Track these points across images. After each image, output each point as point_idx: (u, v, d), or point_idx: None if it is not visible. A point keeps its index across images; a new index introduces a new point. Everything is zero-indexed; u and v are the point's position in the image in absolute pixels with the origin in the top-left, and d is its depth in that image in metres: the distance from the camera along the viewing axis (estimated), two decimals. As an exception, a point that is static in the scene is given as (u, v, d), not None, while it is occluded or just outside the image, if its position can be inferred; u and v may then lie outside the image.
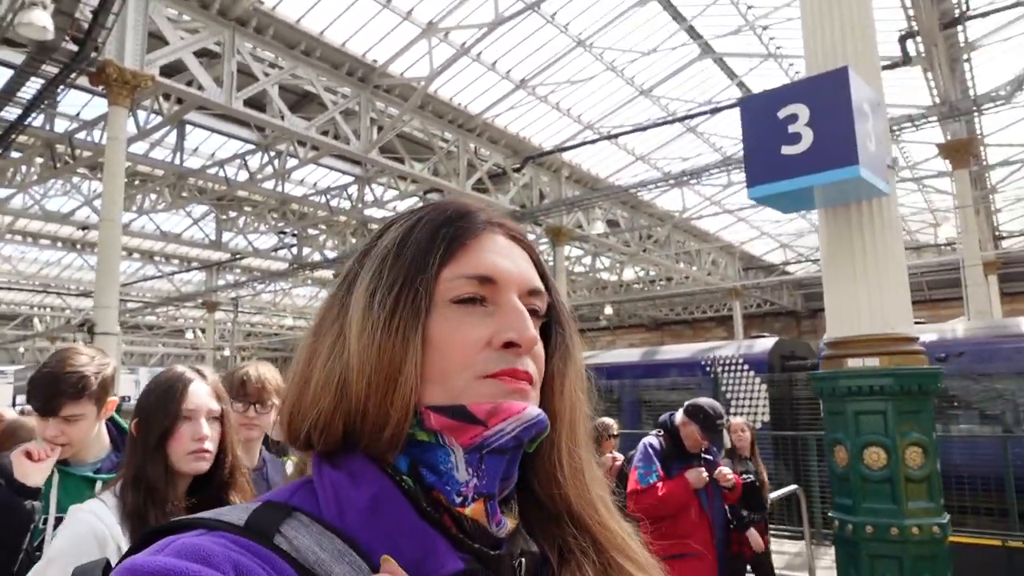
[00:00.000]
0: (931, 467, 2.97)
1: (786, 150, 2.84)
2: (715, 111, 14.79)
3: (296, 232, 19.42)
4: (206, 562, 0.47)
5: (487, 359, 0.61)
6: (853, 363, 3.04)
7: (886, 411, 2.97)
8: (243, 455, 2.17)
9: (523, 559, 0.63)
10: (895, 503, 2.91)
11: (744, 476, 4.71)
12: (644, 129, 15.37)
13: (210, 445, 1.60)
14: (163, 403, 1.59)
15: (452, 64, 12.06)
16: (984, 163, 16.99)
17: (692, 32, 13.32)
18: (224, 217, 17.93)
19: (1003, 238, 23.75)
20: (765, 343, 10.05)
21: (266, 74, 10.85)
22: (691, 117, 15.07)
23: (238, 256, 19.39)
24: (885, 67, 11.08)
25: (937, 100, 11.32)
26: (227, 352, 27.89)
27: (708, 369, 8.79)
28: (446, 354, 0.61)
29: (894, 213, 3.26)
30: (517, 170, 15.43)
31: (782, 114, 2.86)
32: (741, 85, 15.27)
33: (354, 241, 20.10)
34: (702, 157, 17.35)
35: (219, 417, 1.65)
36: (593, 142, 15.49)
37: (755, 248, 26.04)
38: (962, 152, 11.71)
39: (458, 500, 0.59)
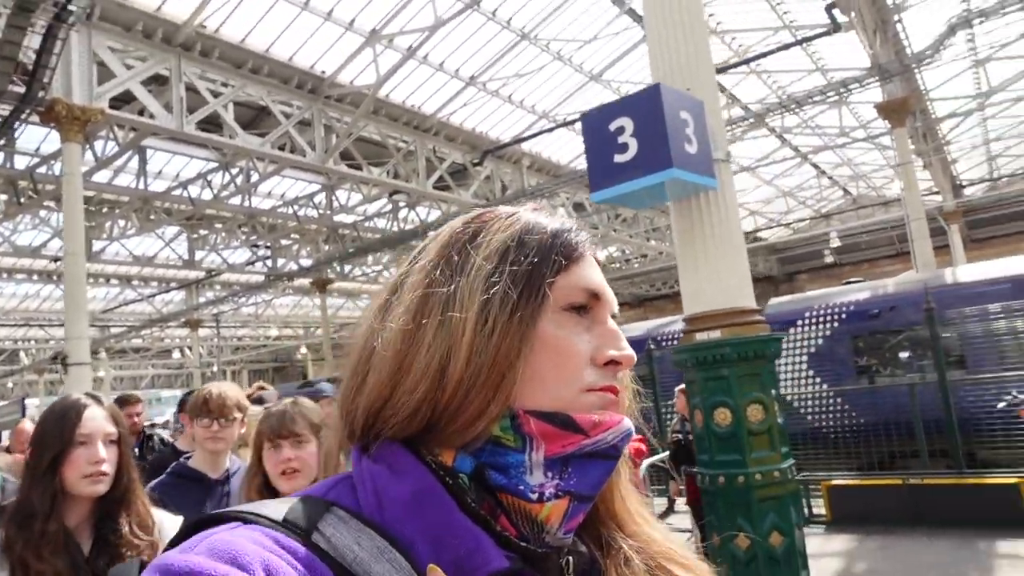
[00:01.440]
0: (771, 421, 3.33)
1: (617, 158, 3.17)
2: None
3: (269, 244, 19.64)
4: (234, 562, 0.47)
5: (594, 375, 0.62)
6: (700, 336, 3.40)
7: (729, 376, 3.33)
8: (208, 466, 2.50)
9: (570, 558, 0.62)
10: (740, 454, 3.27)
11: (675, 435, 5.53)
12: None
13: (107, 467, 1.65)
14: (57, 429, 1.64)
15: (400, 68, 12.30)
16: (933, 116, 17.40)
17: (633, 15, 13.58)
18: (195, 236, 18.12)
19: (964, 186, 24.21)
20: (749, 303, 10.38)
21: (216, 95, 11.07)
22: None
23: (214, 272, 19.58)
24: (819, 35, 11.43)
25: (875, 61, 11.65)
26: (215, 368, 28.12)
27: (652, 346, 9.14)
28: (556, 361, 0.61)
29: (730, 202, 3.59)
30: (477, 164, 15.69)
31: (612, 127, 3.18)
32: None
33: (327, 248, 20.35)
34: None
35: (116, 440, 1.72)
36: (550, 130, 15.76)
37: (725, 218, 26.41)
38: (899, 111, 12.07)
39: (533, 497, 0.58)
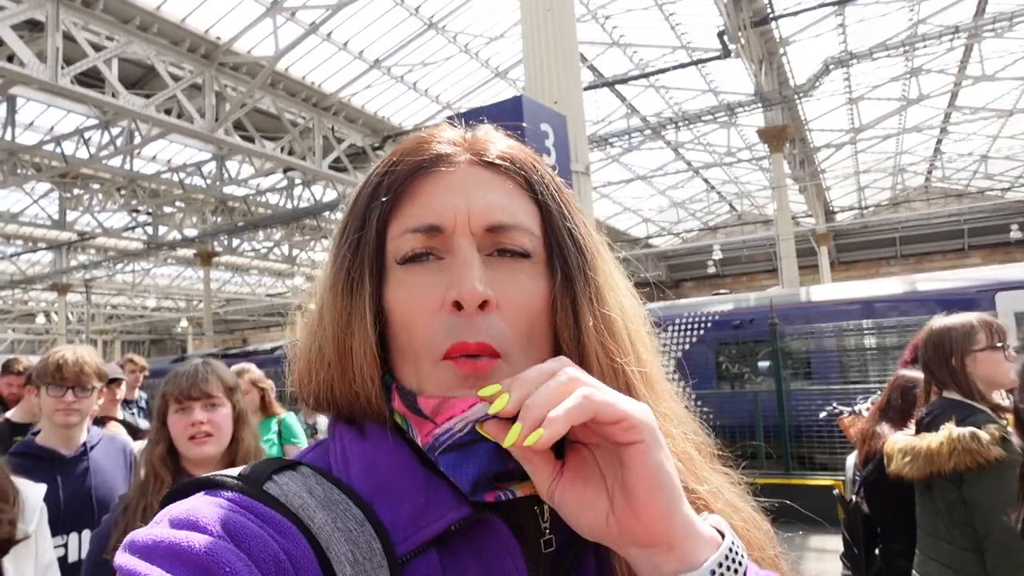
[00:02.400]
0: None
1: None
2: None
3: (151, 211, 18.68)
4: (193, 526, 0.48)
5: (441, 330, 0.55)
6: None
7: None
8: (60, 442, 2.21)
9: (546, 505, 0.57)
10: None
11: None
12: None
13: None
14: None
15: (301, 43, 12.00)
16: (812, 144, 18.69)
17: (541, 17, 13.83)
18: (68, 195, 16.99)
19: (835, 212, 26.10)
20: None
21: (99, 48, 10.44)
22: (546, 99, 15.70)
23: (86, 236, 18.43)
24: (710, 59, 12.05)
25: (759, 88, 12.42)
26: (84, 336, 26.45)
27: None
28: (405, 325, 0.56)
29: (586, 210, 3.83)
30: (377, 148, 15.53)
31: None
32: (592, 68, 15.99)
33: (216, 219, 19.57)
34: (561, 137, 18.12)
35: None
36: (451, 120, 15.80)
37: (619, 223, 27.30)
38: (778, 137, 12.93)
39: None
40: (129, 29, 10.75)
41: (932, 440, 2.21)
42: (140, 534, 0.48)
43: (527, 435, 0.46)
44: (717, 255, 23.74)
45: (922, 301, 7.50)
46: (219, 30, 11.77)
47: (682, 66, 12.80)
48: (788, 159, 16.47)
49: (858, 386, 6.28)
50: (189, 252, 21.32)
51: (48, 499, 1.90)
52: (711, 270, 26.95)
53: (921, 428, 2.34)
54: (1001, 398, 2.37)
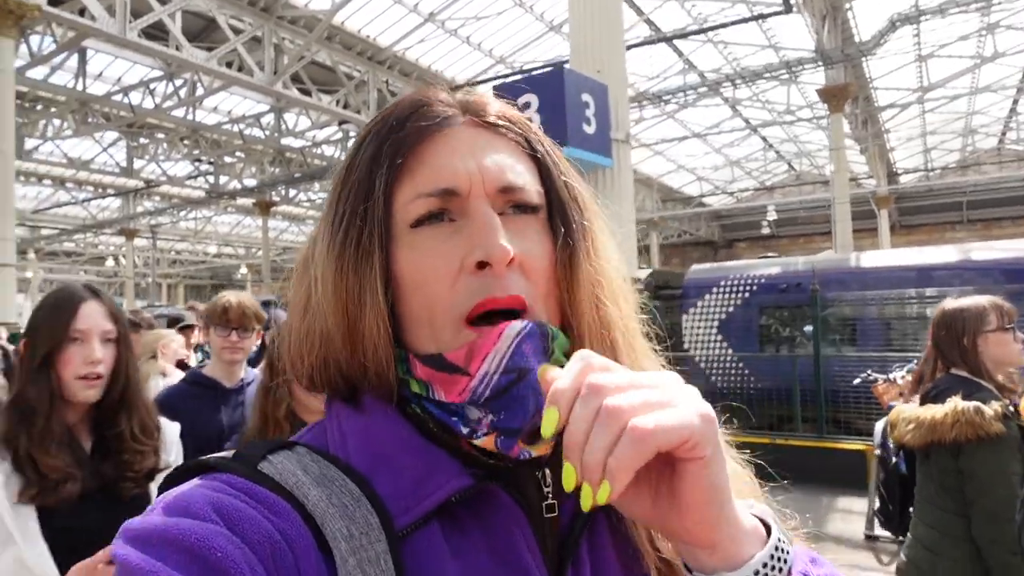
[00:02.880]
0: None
1: None
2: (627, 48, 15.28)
3: (212, 160, 19.27)
4: (187, 512, 0.48)
5: (465, 292, 0.54)
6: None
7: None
8: (223, 375, 2.45)
9: (547, 470, 0.57)
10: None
11: None
12: (556, 65, 15.76)
13: (102, 369, 1.51)
14: (49, 323, 1.50)
15: (356, -4, 12.12)
16: (876, 104, 18.02)
17: (598, -30, 13.60)
18: (135, 144, 17.65)
19: (898, 174, 25.19)
20: (639, 274, 10.88)
21: (164, 1, 10.75)
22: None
23: (152, 183, 19.16)
24: (772, 14, 11.70)
25: (819, 45, 12.03)
26: (151, 280, 27.66)
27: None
28: (422, 290, 0.54)
29: (625, 180, 3.94)
30: (430, 103, 15.65)
31: (520, 102, 3.44)
32: (649, 22, 15.67)
33: (274, 170, 20.08)
34: (615, 92, 17.91)
35: (115, 339, 1.56)
36: (506, 76, 15.76)
37: (672, 180, 26.92)
38: (839, 97, 12.54)
39: (465, 431, 0.54)
40: (192, -17, 11.01)
41: (937, 411, 2.33)
42: (135, 523, 0.49)
43: (596, 493, 0.43)
44: (772, 216, 23.29)
45: (978, 270, 7.34)
46: (278, -17, 11.96)
47: (742, 21, 12.45)
48: (849, 119, 15.95)
49: (897, 354, 6.26)
50: (248, 201, 21.96)
51: (212, 425, 2.21)
52: (765, 231, 26.43)
53: (927, 401, 2.45)
54: (1007, 379, 2.46)
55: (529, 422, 0.52)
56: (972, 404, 2.27)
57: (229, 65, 12.04)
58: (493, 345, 0.52)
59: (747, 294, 8.83)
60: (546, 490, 0.57)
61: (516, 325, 0.53)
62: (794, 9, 11.25)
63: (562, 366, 0.52)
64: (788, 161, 26.92)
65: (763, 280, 8.77)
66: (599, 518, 0.59)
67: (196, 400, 2.34)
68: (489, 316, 0.54)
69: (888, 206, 22.77)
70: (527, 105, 3.40)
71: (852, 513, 5.61)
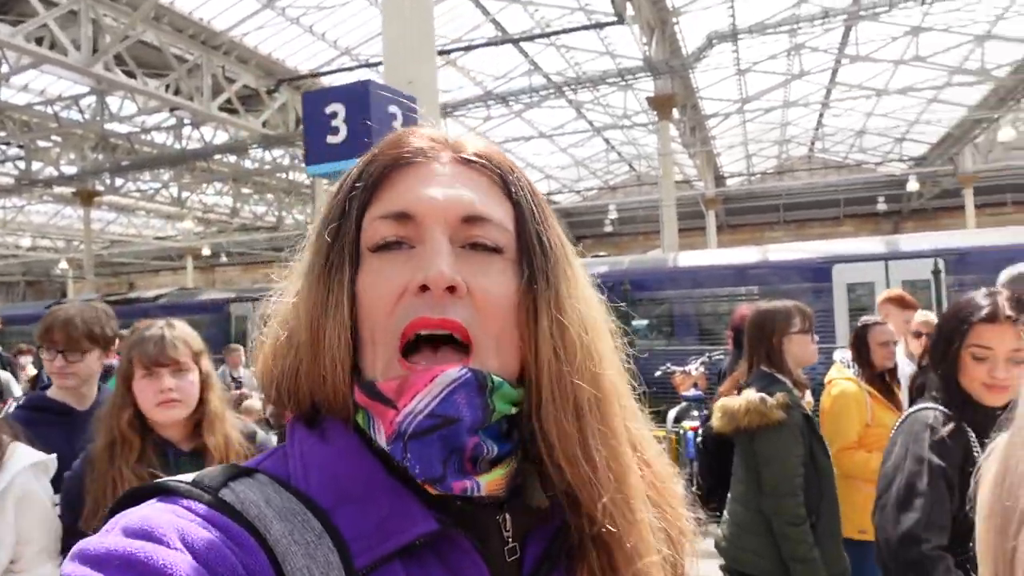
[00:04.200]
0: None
1: (330, 139, 3.54)
2: (470, 48, 15.50)
3: (22, 144, 17.47)
4: (149, 536, 0.47)
5: (403, 312, 0.55)
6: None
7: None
8: (72, 399, 2.17)
9: (507, 515, 0.57)
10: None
11: None
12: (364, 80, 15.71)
13: None
14: None
15: (187, -24, 11.47)
16: (702, 112, 19.48)
17: (443, -32, 13.70)
18: (-74, 124, 15.68)
19: (724, 178, 27.37)
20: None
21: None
22: (448, 52, 15.63)
23: (-52, 168, 17.11)
24: (604, 24, 12.33)
25: (646, 56, 12.86)
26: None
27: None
28: (371, 313, 0.56)
29: None
30: (271, 91, 15.10)
31: (328, 110, 3.54)
32: (495, 22, 15.99)
33: (97, 157, 18.53)
34: (463, 90, 18.12)
35: None
36: (351, 69, 15.50)
37: (522, 178, 27.58)
38: (665, 105, 13.49)
39: (420, 479, 0.54)
40: (-8, -52, 9.96)
41: (735, 401, 2.70)
42: (92, 543, 0.47)
43: None
44: (613, 214, 24.52)
45: (773, 270, 8.24)
46: (96, -44, 11.07)
47: (580, 28, 13.05)
48: (678, 126, 17.14)
49: (695, 348, 6.91)
50: (67, 190, 20.12)
51: (63, 456, 1.89)
52: (608, 229, 27.77)
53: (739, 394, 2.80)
54: (801, 375, 2.85)
55: (457, 468, 0.53)
56: (759, 395, 2.62)
57: (39, 42, 10.99)
58: (424, 386, 0.52)
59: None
60: (506, 534, 0.57)
61: (451, 373, 0.53)
62: (626, 21, 11.95)
63: (508, 417, 0.56)
64: (629, 162, 28.43)
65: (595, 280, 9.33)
66: (559, 569, 0.59)
67: (42, 427, 2.03)
68: (433, 342, 0.55)
69: (716, 207, 24.69)
70: (334, 114, 3.46)
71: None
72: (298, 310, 0.59)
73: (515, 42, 15.12)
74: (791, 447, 2.60)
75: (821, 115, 22.74)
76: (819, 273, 7.81)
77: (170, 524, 0.48)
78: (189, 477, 0.54)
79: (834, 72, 18.81)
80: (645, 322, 8.25)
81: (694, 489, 3.57)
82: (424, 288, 0.54)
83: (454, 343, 0.55)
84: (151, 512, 0.50)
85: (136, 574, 0.44)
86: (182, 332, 1.84)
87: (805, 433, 2.65)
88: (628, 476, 0.59)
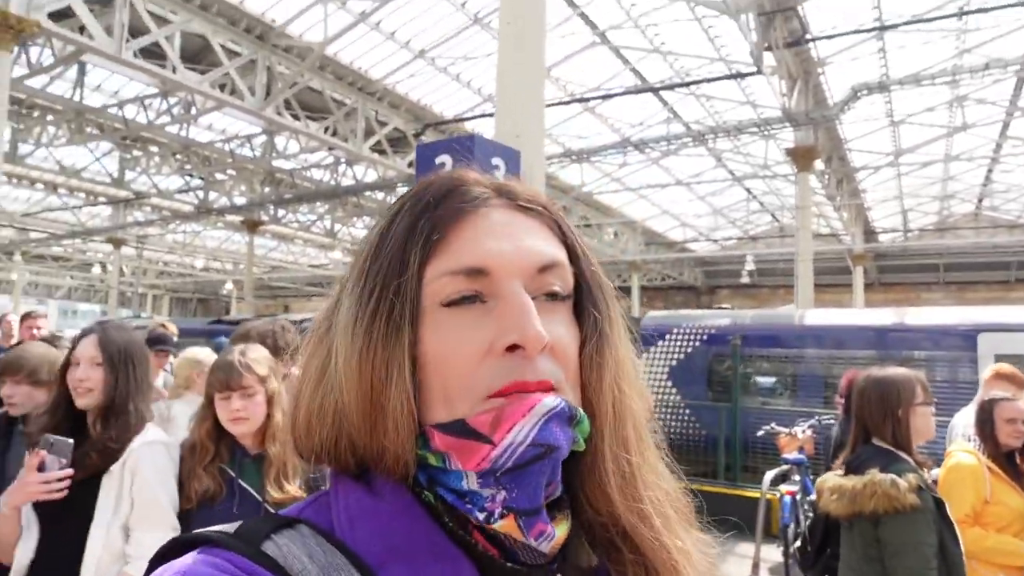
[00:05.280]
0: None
1: None
2: (608, 97, 15.83)
3: (203, 176, 19.64)
4: None
5: (491, 372, 0.52)
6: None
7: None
8: None
9: (559, 575, 0.56)
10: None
11: None
12: (546, 107, 16.29)
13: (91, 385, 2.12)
14: None
15: (349, 30, 12.60)
16: (851, 164, 18.59)
17: (585, 18, 14.15)
18: (127, 156, 18.02)
19: (876, 233, 25.75)
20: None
21: (161, 22, 11.18)
22: (586, 100, 16.04)
23: (142, 195, 19.50)
24: (745, 75, 12.20)
25: (785, 108, 12.56)
26: (139, 289, 27.87)
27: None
28: (443, 371, 0.53)
29: None
30: (417, 135, 16.09)
31: (437, 160, 3.81)
32: (635, 71, 16.22)
33: (264, 190, 20.46)
34: (600, 136, 18.43)
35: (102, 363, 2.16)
36: (490, 115, 16.24)
37: (656, 225, 27.41)
38: (805, 157, 13.04)
39: (481, 516, 0.52)
40: (190, 7, 11.47)
41: (857, 482, 2.47)
42: None
43: None
44: (750, 265, 23.72)
45: (909, 334, 7.72)
46: (274, 13, 12.43)
47: (716, 79, 12.98)
48: (821, 179, 16.46)
49: (804, 409, 6.60)
50: (237, 219, 22.30)
51: None
52: (744, 280, 26.90)
53: (850, 471, 2.59)
54: (919, 454, 2.60)
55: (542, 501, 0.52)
56: (888, 476, 2.42)
57: (222, 88, 12.46)
58: (523, 416, 0.51)
59: (697, 343, 9.18)
60: None
61: (549, 401, 0.52)
62: (767, 71, 11.77)
63: (582, 451, 0.55)
64: (772, 212, 27.49)
65: (712, 331, 9.13)
66: None
67: None
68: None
69: (864, 263, 23.30)
70: (443, 165, 3.76)
71: (739, 556, 5.86)
72: (346, 372, 0.55)
73: (654, 91, 15.25)
74: (924, 536, 2.36)
75: (990, 170, 21.01)
76: (963, 341, 7.23)
77: None
78: (232, 527, 0.53)
79: (1005, 125, 17.39)
80: (764, 379, 8.02)
81: (791, 552, 3.43)
82: (513, 348, 0.52)
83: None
84: (191, 566, 0.48)
85: None
86: (251, 359, 2.21)
87: (937, 519, 2.42)
88: (668, 508, 0.60)
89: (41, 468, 1.98)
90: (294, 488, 2.17)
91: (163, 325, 6.13)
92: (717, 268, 32.29)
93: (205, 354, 3.77)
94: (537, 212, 0.60)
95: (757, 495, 5.97)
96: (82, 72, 14.14)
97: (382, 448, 0.54)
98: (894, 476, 2.41)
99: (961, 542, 2.51)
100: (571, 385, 0.56)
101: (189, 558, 0.49)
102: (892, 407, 2.56)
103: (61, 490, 1.98)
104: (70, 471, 1.98)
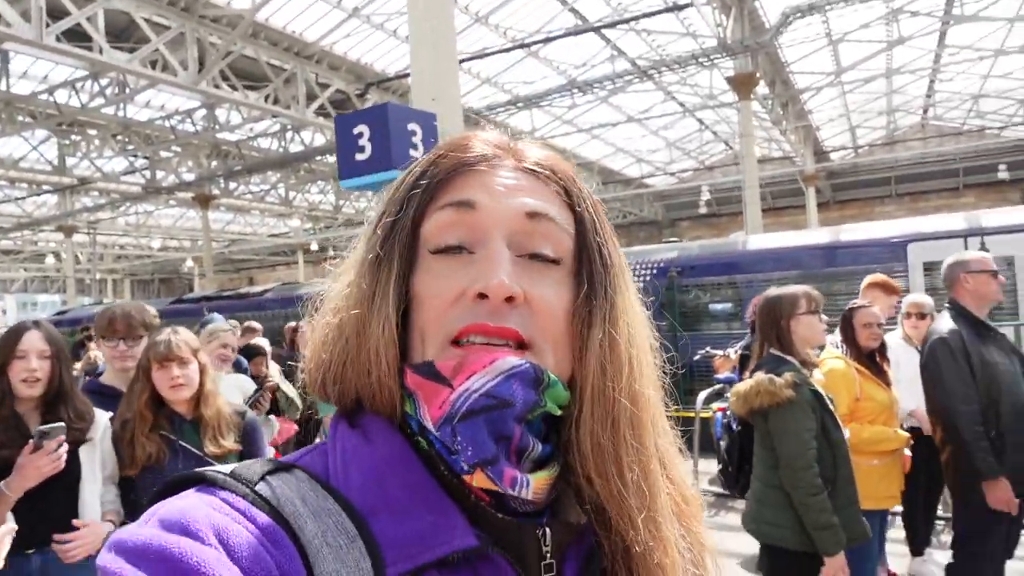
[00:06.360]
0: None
1: (358, 156, 3.92)
2: (549, 40, 15.71)
3: (147, 156, 19.23)
4: (185, 531, 0.46)
5: (458, 315, 0.55)
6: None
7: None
8: (123, 383, 2.75)
9: (547, 529, 0.56)
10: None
11: None
12: (485, 55, 16.10)
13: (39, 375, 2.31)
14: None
15: (278, -6, 12.31)
16: (795, 87, 18.78)
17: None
18: (66, 142, 17.56)
19: (827, 152, 26.15)
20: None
21: (83, 2, 10.82)
22: (528, 45, 15.90)
23: (87, 181, 19.07)
24: (680, 7, 12.21)
25: (720, 38, 12.63)
26: (96, 276, 27.41)
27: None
28: (422, 312, 0.56)
29: None
30: (361, 95, 15.88)
31: (355, 131, 3.92)
32: (574, 11, 16.08)
33: (212, 164, 20.11)
34: (547, 80, 18.33)
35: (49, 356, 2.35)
36: (435, 67, 16.04)
37: (613, 163, 27.50)
38: (746, 84, 13.19)
39: (465, 467, 0.53)
40: (109, -16, 11.09)
41: (747, 384, 2.87)
42: (129, 534, 0.47)
43: None
44: (705, 196, 24.06)
45: (842, 251, 8.05)
46: (198, -18, 12.07)
47: (653, 14, 12.97)
48: (764, 103, 16.65)
49: (739, 332, 6.91)
50: (188, 195, 21.95)
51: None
52: (703, 210, 27.25)
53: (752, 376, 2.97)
54: (807, 356, 2.98)
55: (504, 452, 0.54)
56: (768, 376, 2.79)
57: (154, 64, 12.15)
58: (483, 367, 0.53)
59: (648, 277, 9.45)
60: (545, 549, 0.56)
61: (512, 359, 0.54)
62: (700, 1, 11.80)
63: (547, 421, 0.57)
64: (725, 141, 27.71)
65: (662, 264, 9.40)
66: None
67: (99, 407, 2.54)
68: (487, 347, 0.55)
69: (816, 183, 23.73)
70: (360, 134, 3.87)
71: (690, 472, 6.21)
72: (348, 299, 0.59)
73: (595, 30, 15.17)
74: (802, 422, 2.72)
75: (932, 81, 21.36)
76: (894, 252, 7.58)
77: (207, 519, 0.48)
78: (228, 468, 0.54)
79: (942, 35, 17.65)
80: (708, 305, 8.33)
81: (721, 468, 3.72)
82: (482, 296, 0.54)
83: (509, 347, 0.55)
84: (188, 505, 0.49)
85: (170, 569, 0.44)
86: (184, 336, 2.54)
87: (816, 408, 2.77)
88: (657, 493, 0.59)
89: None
90: (229, 442, 2.50)
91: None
92: (676, 201, 32.56)
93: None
94: (546, 177, 0.62)
95: (690, 415, 6.33)
96: (5, 60, 13.65)
97: (368, 373, 0.57)
98: (772, 375, 2.77)
99: (844, 428, 2.89)
100: (552, 347, 0.57)
101: (185, 497, 0.51)
102: (776, 318, 2.93)
103: (60, 457, 2.25)
104: (64, 445, 2.24)
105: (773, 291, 3.06)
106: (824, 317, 3.03)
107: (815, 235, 9.17)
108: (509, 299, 0.54)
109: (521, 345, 0.55)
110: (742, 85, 13.21)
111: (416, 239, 0.59)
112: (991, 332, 3.37)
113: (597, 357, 0.57)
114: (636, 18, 13.55)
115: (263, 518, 0.50)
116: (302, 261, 32.09)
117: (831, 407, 2.86)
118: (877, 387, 3.52)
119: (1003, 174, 22.64)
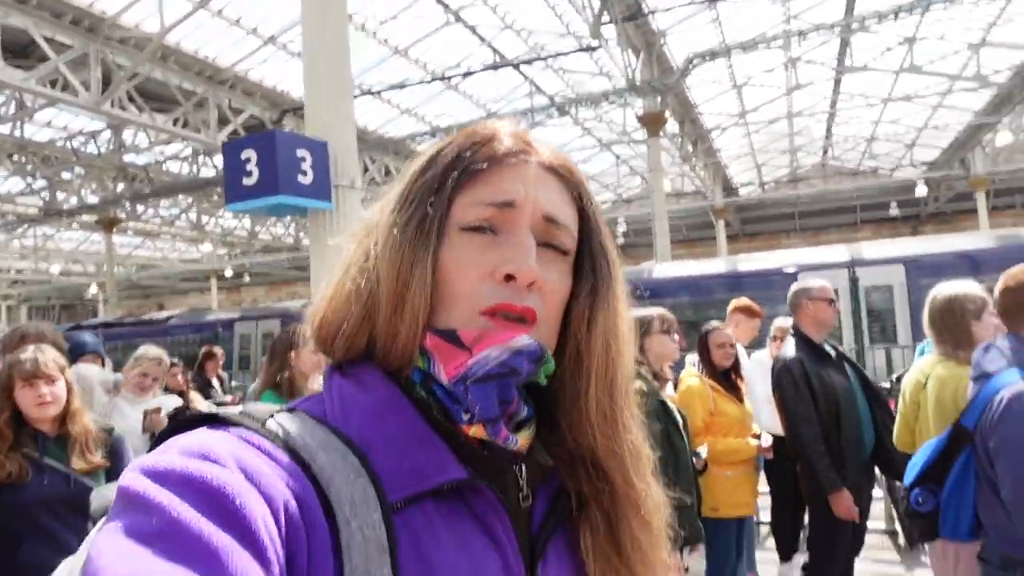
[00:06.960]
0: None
1: (245, 180, 3.96)
2: (468, 74, 15.96)
3: (47, 176, 18.35)
4: (206, 457, 0.49)
5: (487, 292, 0.61)
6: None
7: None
8: None
9: (523, 464, 0.64)
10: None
11: None
12: (405, 87, 16.20)
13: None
14: None
15: (189, 18, 12.07)
16: (704, 127, 19.67)
17: (437, -2, 14.15)
18: (-45, 161, 16.59)
19: (736, 188, 27.39)
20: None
21: (-26, 20, 10.34)
22: (448, 78, 16.10)
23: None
24: (587, 48, 12.63)
25: (629, 79, 13.15)
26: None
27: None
28: (452, 281, 0.61)
29: (349, 220, 4.48)
30: (276, 123, 15.68)
31: (243, 156, 3.96)
32: (491, 48, 16.39)
33: (119, 188, 19.34)
34: (465, 112, 18.57)
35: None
36: (355, 97, 16.00)
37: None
38: (655, 123, 13.75)
39: (465, 418, 0.61)
40: (6, 1, 10.65)
41: None
42: (151, 460, 0.49)
43: None
44: (622, 227, 24.74)
45: (741, 280, 8.48)
46: (104, 4, 11.72)
47: (565, 54, 13.40)
48: (673, 140, 17.35)
49: None
50: (92, 218, 21.01)
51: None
52: (621, 241, 27.94)
53: None
54: (661, 371, 3.32)
55: (502, 415, 0.61)
56: None
57: (54, 84, 11.69)
58: (501, 343, 0.59)
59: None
60: (521, 482, 0.64)
61: (526, 339, 0.60)
62: (608, 44, 12.26)
63: (540, 385, 0.65)
64: (640, 175, 28.60)
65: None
66: (563, 520, 0.68)
67: None
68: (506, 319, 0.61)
69: (726, 216, 24.79)
70: (248, 159, 3.88)
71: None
72: (380, 265, 0.63)
73: (513, 66, 15.51)
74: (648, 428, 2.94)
75: (830, 125, 22.75)
76: (785, 281, 8.04)
77: (225, 447, 0.51)
78: (236, 409, 0.58)
79: (837, 82, 18.87)
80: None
81: None
82: (509, 277, 0.61)
83: (522, 321, 0.62)
84: (205, 436, 0.52)
85: (194, 491, 0.46)
86: (51, 353, 2.53)
87: (661, 418, 2.99)
88: (640, 447, 0.70)
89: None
90: (97, 458, 2.49)
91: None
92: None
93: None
94: (563, 176, 0.68)
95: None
96: None
97: (396, 332, 0.62)
98: None
99: (687, 438, 3.14)
100: (548, 324, 0.64)
101: (201, 431, 0.54)
102: (638, 336, 3.16)
103: None
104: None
105: (636, 311, 3.29)
106: (676, 336, 3.32)
107: (716, 264, 9.59)
108: (530, 284, 0.61)
109: (533, 321, 0.62)
110: (651, 123, 13.75)
111: (447, 216, 0.64)
112: (828, 356, 3.69)
113: (603, 341, 0.66)
114: (550, 57, 13.94)
115: (278, 451, 0.53)
116: (215, 287, 31.06)
117: (676, 417, 3.11)
118: (730, 402, 3.79)
119: (895, 211, 24.23)
